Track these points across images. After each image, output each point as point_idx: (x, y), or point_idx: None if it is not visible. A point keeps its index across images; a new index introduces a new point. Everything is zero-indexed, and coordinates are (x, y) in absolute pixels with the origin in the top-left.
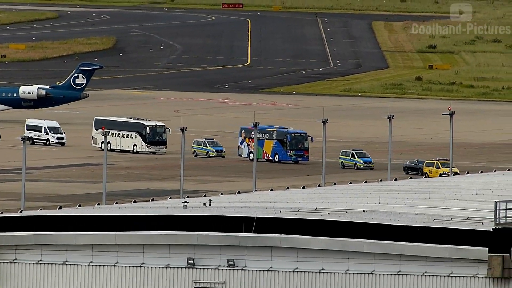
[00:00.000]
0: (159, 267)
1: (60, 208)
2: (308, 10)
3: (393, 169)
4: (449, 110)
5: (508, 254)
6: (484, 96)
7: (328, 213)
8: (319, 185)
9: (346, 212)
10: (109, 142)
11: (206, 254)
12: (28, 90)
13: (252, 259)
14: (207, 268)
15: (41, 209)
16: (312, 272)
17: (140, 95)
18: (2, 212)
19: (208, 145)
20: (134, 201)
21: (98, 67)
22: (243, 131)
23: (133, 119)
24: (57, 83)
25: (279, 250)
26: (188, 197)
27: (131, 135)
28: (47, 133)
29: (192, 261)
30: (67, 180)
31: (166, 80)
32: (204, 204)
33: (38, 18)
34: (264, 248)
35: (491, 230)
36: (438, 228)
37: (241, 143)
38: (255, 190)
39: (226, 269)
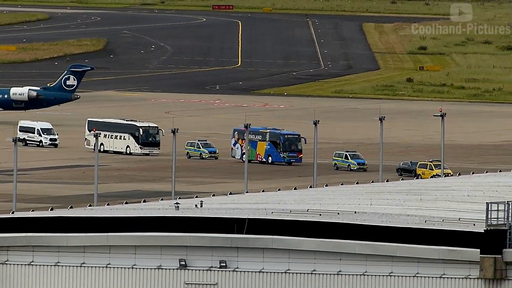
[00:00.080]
0: (151, 268)
1: (51, 209)
2: (299, 11)
3: (386, 171)
4: (440, 111)
5: (500, 255)
6: (475, 97)
7: (320, 215)
8: (310, 187)
9: (338, 213)
10: (102, 144)
11: (198, 255)
12: (19, 92)
13: (244, 260)
14: (199, 269)
15: (32, 211)
16: (304, 273)
17: (131, 97)
18: None
19: (201, 147)
20: (126, 203)
21: (89, 68)
22: (236, 132)
23: (126, 120)
24: (48, 85)
25: (271, 251)
26: (179, 198)
27: (124, 136)
28: (40, 135)
29: (184, 262)
30: (59, 182)
31: (157, 82)
32: (196, 205)
33: (29, 19)
34: (256, 249)
35: (483, 231)
36: (430, 229)
37: (234, 145)
38: (247, 192)
39: (218, 270)
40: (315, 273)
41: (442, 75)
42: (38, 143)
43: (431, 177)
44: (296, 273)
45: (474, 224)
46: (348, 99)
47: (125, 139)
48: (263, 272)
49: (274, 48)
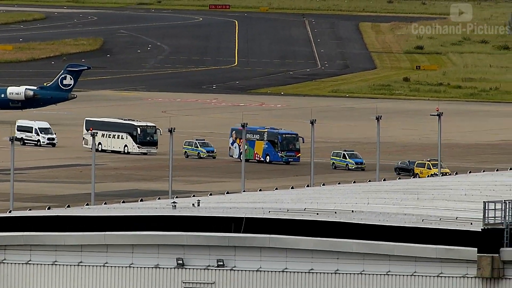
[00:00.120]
0: (148, 267)
1: (49, 208)
2: (295, 11)
3: (384, 170)
4: (437, 110)
5: (497, 254)
6: (471, 96)
7: (317, 214)
8: (308, 186)
9: (335, 212)
10: (99, 143)
11: (195, 254)
12: (16, 91)
13: (241, 259)
14: (197, 268)
15: (30, 210)
16: (301, 272)
17: (128, 96)
18: None
19: (199, 146)
20: (123, 202)
21: (86, 68)
22: (234, 132)
23: (124, 120)
24: (45, 84)
25: (268, 250)
26: (177, 197)
27: (122, 136)
28: (37, 134)
29: (181, 261)
30: (56, 181)
31: (154, 81)
32: (193, 204)
33: (25, 19)
34: (253, 248)
35: (480, 230)
36: (427, 228)
37: (232, 144)
38: (244, 191)
39: (215, 269)
40: (313, 272)
41: (439, 75)
42: (36, 142)
43: (429, 176)
44: (294, 272)
45: (471, 223)
46: (345, 99)
47: (123, 138)
48: (260, 271)
49: (270, 47)
